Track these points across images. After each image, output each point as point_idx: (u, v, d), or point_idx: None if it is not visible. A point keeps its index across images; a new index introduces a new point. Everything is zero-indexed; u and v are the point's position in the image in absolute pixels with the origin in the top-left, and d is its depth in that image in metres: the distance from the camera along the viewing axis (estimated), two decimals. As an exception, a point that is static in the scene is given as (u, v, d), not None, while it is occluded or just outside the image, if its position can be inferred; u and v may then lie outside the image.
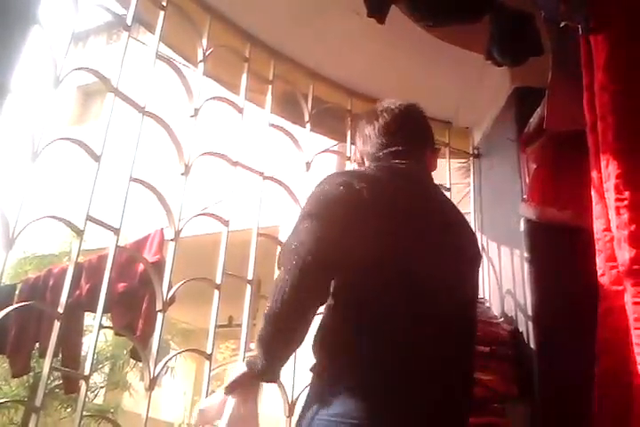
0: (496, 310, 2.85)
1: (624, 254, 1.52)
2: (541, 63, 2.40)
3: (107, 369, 6.31)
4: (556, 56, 2.28)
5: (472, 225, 3.25)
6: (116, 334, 3.70)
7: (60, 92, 2.02)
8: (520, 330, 2.63)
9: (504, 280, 2.89)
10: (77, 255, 2.07)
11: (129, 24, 2.31)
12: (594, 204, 1.66)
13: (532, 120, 2.72)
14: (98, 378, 6.33)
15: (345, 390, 1.36)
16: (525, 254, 2.67)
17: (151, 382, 2.16)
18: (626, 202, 1.54)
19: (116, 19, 2.32)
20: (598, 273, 1.63)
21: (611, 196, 1.58)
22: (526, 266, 2.66)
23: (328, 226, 1.43)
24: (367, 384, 1.36)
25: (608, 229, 1.60)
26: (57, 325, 1.95)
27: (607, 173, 1.59)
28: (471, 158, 3.41)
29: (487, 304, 2.89)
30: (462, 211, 3.32)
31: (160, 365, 2.22)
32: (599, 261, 1.63)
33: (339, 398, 1.35)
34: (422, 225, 1.53)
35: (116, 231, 2.15)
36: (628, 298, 1.52)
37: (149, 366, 2.17)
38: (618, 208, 1.55)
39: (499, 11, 2.37)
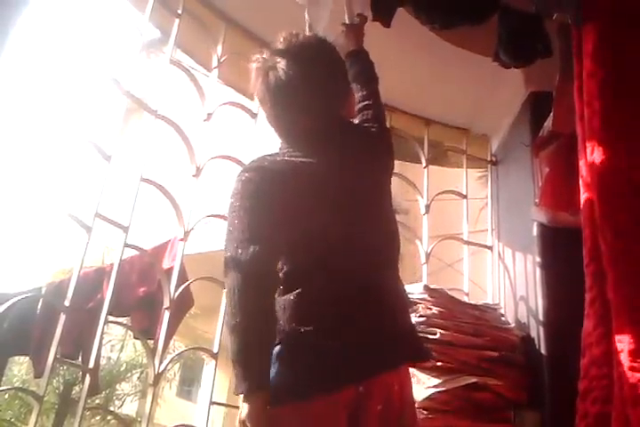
0: (510, 317, 2.82)
1: (606, 242, 1.50)
2: (556, 67, 2.40)
3: (135, 379, 6.40)
4: (564, 57, 2.27)
5: (489, 234, 3.26)
6: (136, 337, 3.75)
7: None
8: (532, 336, 2.59)
9: (518, 286, 2.86)
10: (85, 252, 2.13)
11: (144, 32, 2.40)
12: (581, 193, 1.64)
13: (545, 124, 2.71)
14: (127, 387, 6.42)
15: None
16: (538, 259, 2.65)
17: (156, 378, 2.20)
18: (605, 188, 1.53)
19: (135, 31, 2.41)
20: (584, 264, 1.61)
21: (596, 185, 1.57)
22: (539, 271, 2.63)
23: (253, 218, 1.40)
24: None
25: (592, 220, 1.58)
26: (62, 317, 2.00)
27: (592, 159, 1.58)
28: (489, 166, 3.39)
29: (501, 310, 2.85)
30: (479, 228, 3.39)
31: (165, 362, 2.26)
32: (584, 252, 1.61)
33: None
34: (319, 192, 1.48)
35: (125, 229, 2.21)
36: (610, 288, 1.49)
37: (154, 363, 2.21)
38: (599, 195, 1.54)
39: (505, 11, 2.38)
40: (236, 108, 2.71)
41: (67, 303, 2.04)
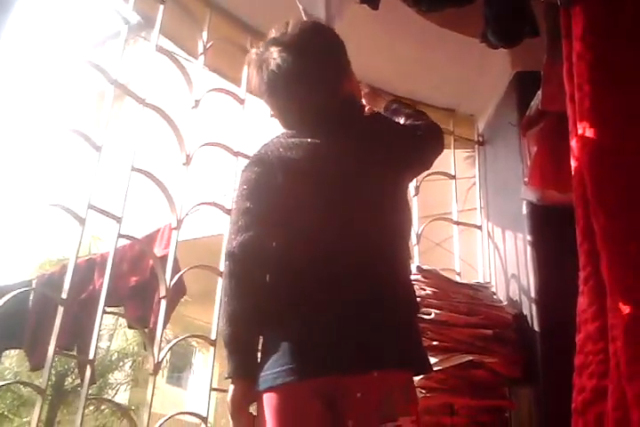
0: (502, 295, 2.86)
1: (599, 221, 1.52)
2: (542, 47, 2.41)
3: (127, 367, 6.41)
4: (551, 37, 2.28)
5: (478, 214, 3.29)
6: (130, 326, 3.76)
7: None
8: (524, 313, 2.64)
9: (509, 265, 2.90)
10: (79, 244, 2.12)
11: (128, 19, 2.37)
12: (572, 173, 1.66)
13: (532, 104, 2.73)
14: (119, 376, 6.44)
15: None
16: (528, 237, 2.68)
17: (155, 366, 2.21)
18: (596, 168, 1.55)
19: (121, 17, 2.38)
20: (577, 242, 1.63)
21: (587, 165, 1.59)
22: (529, 249, 2.67)
23: (253, 205, 1.45)
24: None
25: (584, 199, 1.60)
26: (61, 310, 2.00)
27: (583, 140, 1.60)
28: (476, 146, 3.41)
29: (492, 289, 2.89)
30: (468, 207, 3.42)
31: (164, 351, 2.27)
32: (577, 231, 1.63)
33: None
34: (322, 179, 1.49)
35: (119, 220, 2.20)
36: (604, 265, 1.52)
37: (153, 352, 2.22)
38: (591, 177, 1.56)
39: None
40: (223, 93, 2.69)
41: (64, 296, 2.03)
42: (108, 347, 6.50)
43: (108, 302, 2.97)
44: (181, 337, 2.47)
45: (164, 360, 6.79)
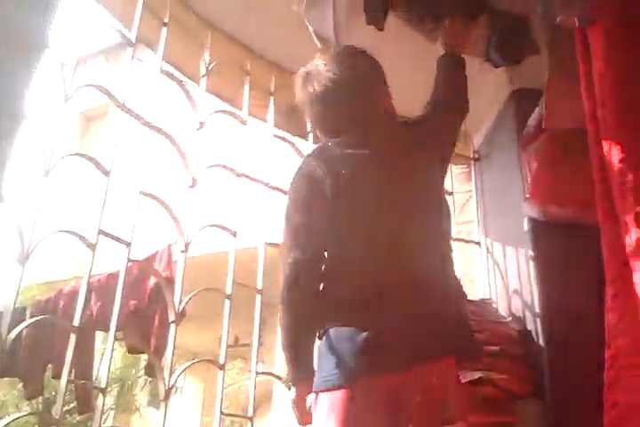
0: (504, 311, 2.87)
1: (631, 236, 1.54)
2: (538, 64, 2.45)
3: (115, 392, 6.26)
4: (553, 54, 2.32)
5: (476, 229, 3.31)
6: (130, 351, 3.69)
7: (68, 111, 2.06)
8: (529, 329, 2.65)
9: (510, 280, 2.91)
10: (90, 270, 2.09)
11: (133, 41, 2.35)
12: (596, 192, 1.69)
13: (530, 120, 2.77)
14: (108, 401, 6.28)
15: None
16: (530, 253, 2.70)
17: (167, 392, 2.17)
18: (629, 184, 1.57)
19: (122, 37, 2.36)
20: (605, 258, 1.65)
21: (614, 180, 1.61)
22: (532, 264, 2.69)
23: (306, 216, 1.56)
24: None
25: (611, 214, 1.63)
26: (73, 338, 1.96)
27: (609, 158, 1.62)
28: (472, 162, 3.44)
29: (494, 305, 2.90)
30: (464, 220, 3.43)
31: (175, 375, 2.24)
32: (604, 245, 1.65)
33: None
34: (371, 188, 1.59)
35: (128, 245, 2.18)
36: (637, 278, 1.54)
37: (164, 378, 2.18)
38: (621, 192, 1.58)
39: (493, 12, 2.42)
40: (226, 115, 2.69)
41: (75, 323, 1.99)
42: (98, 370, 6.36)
43: (105, 327, 2.94)
44: (192, 362, 2.44)
45: (145, 380, 6.65)
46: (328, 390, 1.43)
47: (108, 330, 3.26)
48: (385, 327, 1.44)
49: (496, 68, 2.53)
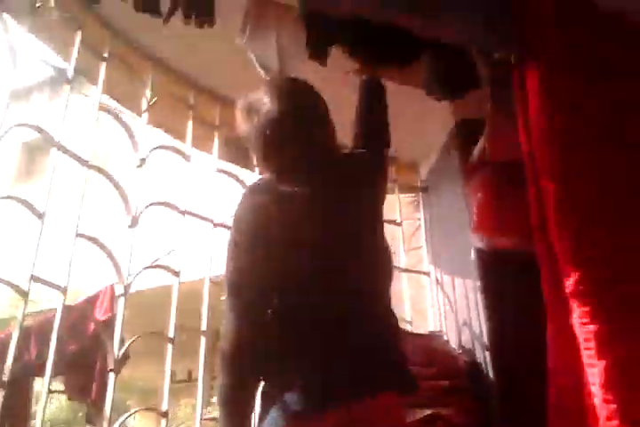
0: (454, 343, 2.85)
1: (570, 277, 1.54)
2: (481, 95, 2.47)
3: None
4: (493, 87, 2.34)
5: (425, 260, 3.30)
6: (69, 398, 3.52)
7: (3, 148, 1.97)
8: (478, 361, 2.63)
9: (459, 312, 2.90)
10: (23, 318, 1.98)
11: (70, 77, 2.28)
12: (534, 232, 1.69)
13: (475, 150, 2.78)
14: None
15: None
16: (477, 283, 2.70)
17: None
18: (566, 226, 1.58)
19: (58, 72, 2.28)
20: (545, 295, 1.65)
21: (551, 220, 1.62)
22: (479, 295, 2.68)
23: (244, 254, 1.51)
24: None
25: (550, 252, 1.63)
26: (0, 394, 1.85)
27: (545, 197, 1.63)
28: (420, 193, 3.45)
29: (445, 337, 2.89)
30: (413, 246, 3.43)
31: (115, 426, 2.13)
32: (544, 283, 1.65)
33: None
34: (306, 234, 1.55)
35: (63, 290, 2.08)
36: (575, 319, 1.54)
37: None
38: (559, 233, 1.59)
39: (435, 47, 2.43)
40: (168, 151, 2.62)
41: (5, 378, 1.88)
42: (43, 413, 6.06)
43: (44, 373, 2.80)
44: (131, 411, 2.33)
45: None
46: None
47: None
48: (320, 368, 1.42)
49: (439, 101, 2.54)
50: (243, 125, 1.66)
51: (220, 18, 2.20)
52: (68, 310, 3.03)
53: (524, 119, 1.78)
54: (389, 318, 1.60)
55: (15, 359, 2.90)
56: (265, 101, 1.61)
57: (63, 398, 5.43)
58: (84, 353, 3.02)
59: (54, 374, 3.16)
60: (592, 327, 1.53)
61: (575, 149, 1.67)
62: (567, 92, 1.71)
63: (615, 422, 1.43)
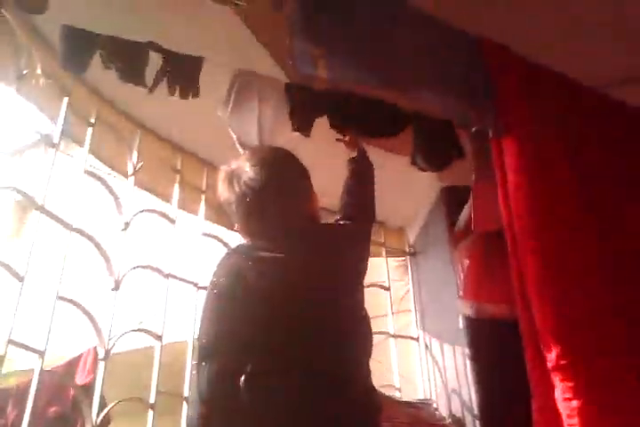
0: (444, 411, 2.79)
1: (552, 352, 1.53)
2: (466, 162, 2.50)
3: None
4: (476, 159, 2.38)
5: (414, 325, 3.27)
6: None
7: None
8: (468, 430, 2.57)
9: (449, 379, 2.85)
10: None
11: (55, 142, 2.31)
12: (516, 301, 1.68)
13: (460, 217, 2.81)
14: None
15: None
16: (466, 351, 2.66)
17: None
18: (546, 300, 1.57)
19: (44, 137, 2.32)
20: (528, 370, 1.62)
21: (531, 293, 1.61)
22: (468, 363, 2.64)
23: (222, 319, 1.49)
24: None
25: (532, 325, 1.62)
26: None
27: (523, 267, 1.63)
28: (408, 257, 3.45)
29: (434, 405, 2.82)
30: (402, 309, 3.41)
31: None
32: (527, 357, 1.63)
33: None
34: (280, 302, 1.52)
35: (41, 354, 2.06)
36: (558, 394, 1.51)
37: None
38: (540, 306, 1.58)
39: (419, 120, 2.49)
40: (154, 214, 2.64)
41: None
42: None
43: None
44: (115, 402, 2.27)
45: None
46: None
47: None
48: None
49: (423, 171, 2.57)
50: (224, 192, 1.65)
51: (206, 87, 2.26)
52: (49, 373, 3.00)
53: (504, 191, 1.80)
54: (367, 392, 1.53)
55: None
56: (246, 169, 1.61)
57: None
58: (63, 417, 2.94)
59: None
60: (575, 403, 1.50)
61: (552, 220, 1.68)
62: (542, 163, 1.73)
63: None
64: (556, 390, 1.52)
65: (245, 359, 1.44)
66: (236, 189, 1.59)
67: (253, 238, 1.63)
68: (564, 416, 1.50)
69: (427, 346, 3.15)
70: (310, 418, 1.40)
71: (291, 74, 2.34)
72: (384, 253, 3.38)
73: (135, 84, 2.12)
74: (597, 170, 1.95)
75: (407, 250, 3.46)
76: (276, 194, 1.60)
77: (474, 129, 1.93)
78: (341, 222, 1.80)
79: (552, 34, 2.17)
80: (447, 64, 1.88)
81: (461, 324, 2.72)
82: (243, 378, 1.42)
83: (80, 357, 3.06)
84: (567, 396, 1.50)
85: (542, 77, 2.03)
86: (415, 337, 3.22)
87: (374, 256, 3.63)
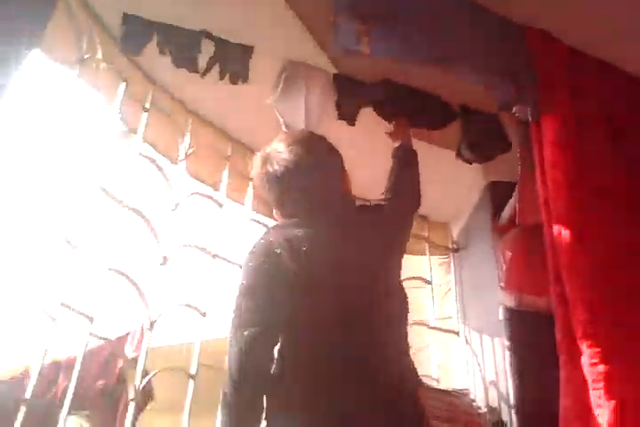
0: (481, 402, 2.79)
1: (578, 318, 1.55)
2: (512, 157, 2.53)
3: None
4: (523, 150, 2.39)
5: (455, 320, 3.28)
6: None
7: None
8: (504, 421, 2.56)
9: (487, 370, 2.85)
10: (48, 346, 2.06)
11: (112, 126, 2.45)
12: (550, 274, 1.70)
13: (504, 211, 2.82)
14: None
15: None
16: (506, 343, 2.66)
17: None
18: (577, 269, 1.59)
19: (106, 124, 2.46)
20: (557, 343, 1.64)
21: (563, 265, 1.63)
22: (507, 355, 2.64)
23: (259, 298, 1.51)
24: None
25: (563, 299, 1.64)
26: (23, 409, 1.92)
27: (559, 242, 1.65)
28: (451, 253, 3.46)
29: (471, 396, 2.83)
30: (445, 305, 3.42)
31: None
32: (557, 331, 1.65)
33: None
34: (328, 275, 1.56)
35: (91, 320, 2.17)
36: (585, 360, 1.53)
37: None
38: (569, 275, 1.60)
39: (466, 113, 2.54)
40: (203, 197, 2.76)
41: (27, 395, 1.95)
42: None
43: (72, 406, 2.85)
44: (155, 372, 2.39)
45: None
46: None
47: (77, 409, 3.20)
48: (333, 415, 1.40)
49: (468, 164, 2.60)
50: (259, 173, 1.71)
51: (258, 77, 2.36)
52: (99, 348, 3.14)
53: (541, 170, 1.83)
54: (409, 369, 1.58)
55: (45, 392, 2.99)
56: (279, 150, 1.67)
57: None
58: (109, 390, 3.07)
59: (82, 408, 3.24)
60: (601, 368, 1.53)
61: (586, 194, 1.70)
62: (580, 145, 1.76)
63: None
64: (582, 357, 1.54)
65: (278, 332, 1.49)
66: (270, 169, 1.66)
67: (289, 218, 1.67)
68: (589, 382, 1.52)
69: (466, 340, 3.15)
70: (339, 397, 1.42)
71: (333, 53, 2.40)
72: (427, 248, 3.40)
73: (188, 69, 2.24)
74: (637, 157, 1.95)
75: (450, 246, 3.47)
76: (309, 172, 1.65)
77: (516, 112, 1.95)
78: (383, 201, 1.85)
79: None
80: (490, 42, 1.93)
81: (501, 315, 2.73)
82: (276, 349, 1.48)
83: (128, 334, 3.19)
84: (594, 361, 1.52)
85: (585, 63, 2.05)
86: (456, 331, 3.23)
87: (417, 254, 3.65)
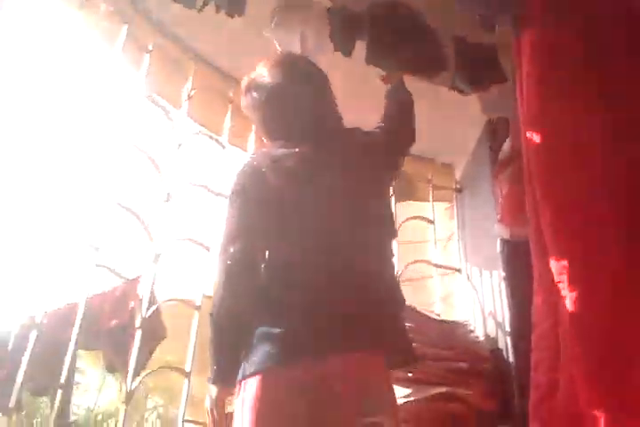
0: (480, 332, 2.88)
1: (546, 220, 1.60)
2: (511, 93, 2.54)
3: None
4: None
5: (458, 257, 3.35)
6: (108, 370, 3.72)
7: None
8: (500, 348, 2.65)
9: (486, 302, 2.93)
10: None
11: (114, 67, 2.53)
12: (529, 219, 1.75)
13: (504, 147, 2.86)
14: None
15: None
16: (502, 273, 2.73)
17: (127, 395, 2.22)
18: (550, 199, 1.64)
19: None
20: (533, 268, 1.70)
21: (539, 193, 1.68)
22: (503, 285, 2.72)
23: (244, 213, 1.55)
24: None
25: (538, 228, 1.69)
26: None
27: (532, 149, 1.70)
28: (455, 194, 3.52)
29: (470, 327, 2.91)
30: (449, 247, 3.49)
31: (138, 379, 2.29)
32: (534, 257, 1.70)
33: None
34: (317, 191, 1.59)
35: (96, 249, 2.28)
36: (551, 259, 1.57)
37: (125, 382, 2.24)
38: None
39: (459, 42, 2.55)
40: (205, 137, 2.84)
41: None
42: (95, 406, 6.29)
43: (86, 345, 3.01)
44: (155, 369, 2.49)
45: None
46: (249, 376, 1.40)
47: (91, 348, 3.38)
48: (306, 319, 1.43)
49: (463, 95, 2.62)
50: (245, 98, 1.72)
51: (256, 12, 2.39)
52: (113, 290, 3.29)
53: (520, 85, 1.85)
54: (392, 285, 1.61)
55: (63, 332, 3.12)
56: (263, 74, 1.68)
57: (114, 391, 5.71)
58: (122, 329, 3.17)
59: (95, 347, 3.41)
60: (564, 262, 1.56)
61: (557, 108, 1.73)
62: (554, 54, 1.77)
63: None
64: (549, 257, 1.59)
65: (266, 246, 1.53)
66: (254, 93, 1.67)
67: (274, 141, 1.69)
68: (554, 277, 1.56)
69: (468, 276, 3.23)
70: (326, 306, 1.44)
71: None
72: (431, 190, 3.46)
73: (184, 4, 2.29)
74: (623, 84, 1.96)
75: (455, 187, 3.51)
76: (292, 94, 1.66)
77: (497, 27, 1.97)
78: (377, 128, 1.83)
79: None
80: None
81: (499, 247, 2.80)
82: (263, 265, 1.51)
83: (140, 276, 3.30)
84: (558, 256, 1.56)
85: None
86: (458, 268, 3.31)
87: (422, 200, 3.68)
